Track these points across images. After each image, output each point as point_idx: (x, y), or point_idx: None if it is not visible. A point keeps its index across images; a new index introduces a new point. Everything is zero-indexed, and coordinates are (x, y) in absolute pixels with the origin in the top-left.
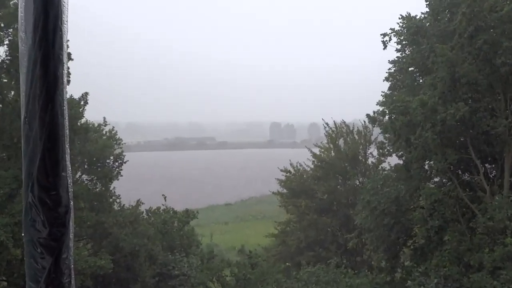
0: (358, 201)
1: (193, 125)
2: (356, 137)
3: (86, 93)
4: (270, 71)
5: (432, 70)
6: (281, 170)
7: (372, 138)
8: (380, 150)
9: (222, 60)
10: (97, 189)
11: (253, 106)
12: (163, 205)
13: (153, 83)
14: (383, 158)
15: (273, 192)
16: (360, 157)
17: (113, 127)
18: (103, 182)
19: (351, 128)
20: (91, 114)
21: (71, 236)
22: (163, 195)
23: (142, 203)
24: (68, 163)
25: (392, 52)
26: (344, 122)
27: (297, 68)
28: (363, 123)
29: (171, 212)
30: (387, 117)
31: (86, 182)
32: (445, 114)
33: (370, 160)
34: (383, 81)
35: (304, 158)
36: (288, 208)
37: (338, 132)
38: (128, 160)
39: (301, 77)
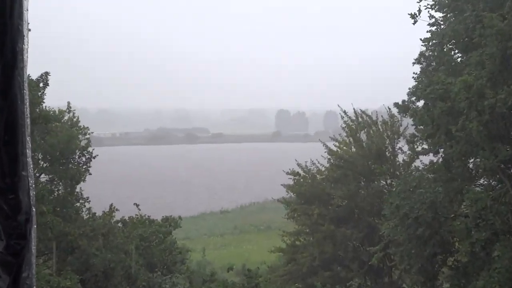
0: (384, 207)
1: (180, 113)
2: (381, 128)
3: (47, 73)
4: (273, 53)
5: (479, 44)
6: (288, 173)
7: (402, 130)
8: (411, 145)
9: (215, 40)
10: (60, 192)
11: (255, 91)
12: (136, 214)
13: (132, 63)
14: (415, 155)
15: (278, 200)
16: (387, 153)
17: (73, 112)
18: (68, 183)
19: (374, 118)
20: (53, 100)
21: (33, 250)
22: (135, 204)
23: (117, 210)
24: (29, 159)
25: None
26: (364, 112)
27: (309, 50)
28: (388, 110)
29: (147, 221)
30: (420, 103)
31: (45, 183)
32: (495, 100)
33: (400, 157)
34: (413, 64)
35: (318, 155)
36: (298, 217)
37: (360, 123)
38: (97, 155)
39: (315, 59)
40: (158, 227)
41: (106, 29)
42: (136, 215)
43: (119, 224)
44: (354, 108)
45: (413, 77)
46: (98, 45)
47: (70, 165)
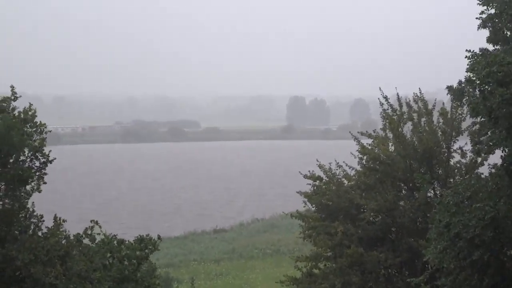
0: (431, 225)
1: (161, 101)
2: (439, 121)
3: None
4: (280, 25)
5: None
6: (307, 177)
7: (468, 125)
8: (476, 146)
9: (205, 12)
10: (4, 205)
11: (259, 74)
12: (99, 233)
13: (98, 41)
14: (478, 158)
15: (291, 215)
16: (440, 154)
17: (31, 104)
18: (10, 189)
19: (429, 106)
20: None
21: None
22: (92, 220)
23: (64, 221)
24: None
25: None
26: (419, 97)
27: (327, 18)
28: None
29: (114, 242)
30: (477, 90)
31: None
32: None
33: (458, 159)
34: (478, 29)
35: (343, 156)
36: (316, 237)
37: (404, 113)
38: (55, 158)
39: (336, 33)
40: (131, 251)
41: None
42: (98, 233)
43: (79, 246)
44: (398, 93)
45: (467, 56)
46: (55, 18)
47: (18, 170)
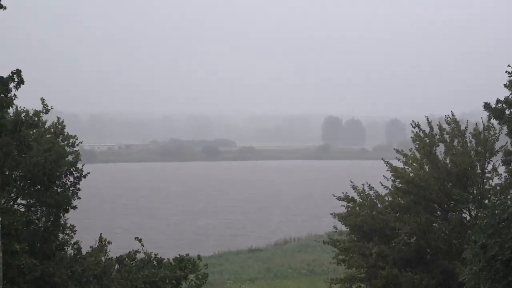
0: (466, 245)
1: (196, 120)
2: (470, 142)
3: (19, 71)
4: (316, 44)
5: None
6: (340, 199)
7: (501, 146)
8: (509, 166)
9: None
10: (42, 224)
11: (295, 94)
12: (140, 251)
13: (134, 61)
14: None
15: (323, 241)
16: (474, 176)
17: (59, 118)
18: (52, 212)
19: (462, 127)
20: (32, 106)
21: None
22: (136, 238)
23: (109, 243)
24: None
25: None
26: (452, 118)
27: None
28: (487, 118)
29: (154, 261)
30: None
31: (23, 211)
32: None
33: (493, 181)
34: None
35: (379, 176)
36: (350, 259)
37: (434, 135)
38: (88, 173)
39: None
40: (170, 271)
41: (101, 20)
42: (139, 251)
43: (116, 265)
44: (427, 117)
45: (507, 71)
46: (90, 38)
47: (56, 188)
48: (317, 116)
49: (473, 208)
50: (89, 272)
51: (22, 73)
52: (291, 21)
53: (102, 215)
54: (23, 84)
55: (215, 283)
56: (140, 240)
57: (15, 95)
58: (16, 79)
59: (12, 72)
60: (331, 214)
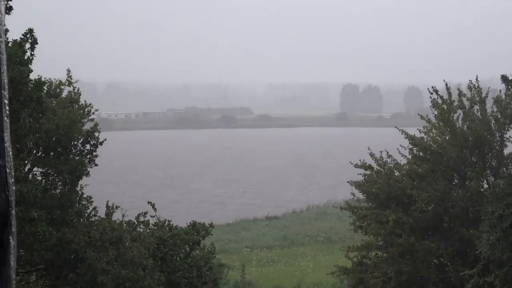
0: (483, 216)
1: (214, 89)
2: (492, 109)
3: (31, 31)
4: (331, 11)
5: None
6: (357, 166)
7: None
8: None
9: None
10: (59, 190)
11: (311, 61)
12: (152, 216)
13: (151, 28)
14: None
15: (341, 207)
16: (492, 143)
17: (73, 84)
18: (68, 178)
19: (482, 94)
20: (47, 74)
21: (13, 262)
22: (149, 202)
23: (117, 208)
24: (7, 145)
25: None
26: (473, 83)
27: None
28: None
29: (167, 227)
30: None
31: (40, 178)
32: None
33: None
34: None
35: (396, 144)
36: (367, 226)
37: (452, 102)
38: (105, 139)
39: (390, 19)
40: (184, 235)
41: None
42: (152, 216)
43: (133, 231)
44: (446, 83)
45: None
46: (107, 6)
47: (71, 155)
48: (334, 84)
49: (490, 176)
50: (105, 237)
51: (33, 33)
52: None
53: (118, 186)
54: (37, 44)
55: (232, 251)
56: (153, 205)
57: (32, 54)
58: (30, 39)
59: (24, 33)
60: (348, 182)
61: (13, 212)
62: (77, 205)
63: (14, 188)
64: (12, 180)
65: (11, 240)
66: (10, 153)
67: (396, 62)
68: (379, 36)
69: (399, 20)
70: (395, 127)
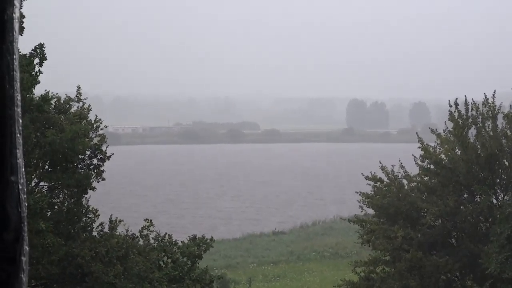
0: (492, 237)
1: (221, 103)
2: (502, 125)
3: (42, 46)
4: (340, 26)
5: None
6: (368, 178)
7: None
8: None
9: (264, 13)
10: (64, 204)
11: (319, 76)
12: (152, 231)
13: (159, 43)
14: None
15: (349, 220)
16: (503, 159)
17: (83, 101)
18: (74, 192)
19: (495, 110)
20: (54, 88)
21: (24, 278)
22: (146, 219)
23: (120, 221)
24: (20, 161)
25: None
26: (488, 100)
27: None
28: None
29: (167, 241)
30: None
31: (45, 192)
32: None
33: None
34: None
35: (403, 159)
36: (375, 241)
37: (469, 117)
38: (112, 154)
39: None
40: (186, 249)
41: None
42: (151, 231)
43: (141, 244)
44: (466, 98)
45: None
46: (115, 20)
47: (78, 171)
48: (341, 99)
49: (500, 192)
50: (112, 253)
51: (44, 48)
52: (316, 5)
53: (122, 199)
54: (45, 60)
55: (238, 266)
56: (151, 222)
57: (39, 70)
58: (39, 55)
59: (34, 47)
60: (357, 192)
61: (26, 228)
62: (84, 219)
63: (26, 205)
64: (25, 196)
65: (23, 256)
66: (23, 169)
67: (403, 78)
68: (386, 51)
69: (406, 35)
70: (418, 137)
